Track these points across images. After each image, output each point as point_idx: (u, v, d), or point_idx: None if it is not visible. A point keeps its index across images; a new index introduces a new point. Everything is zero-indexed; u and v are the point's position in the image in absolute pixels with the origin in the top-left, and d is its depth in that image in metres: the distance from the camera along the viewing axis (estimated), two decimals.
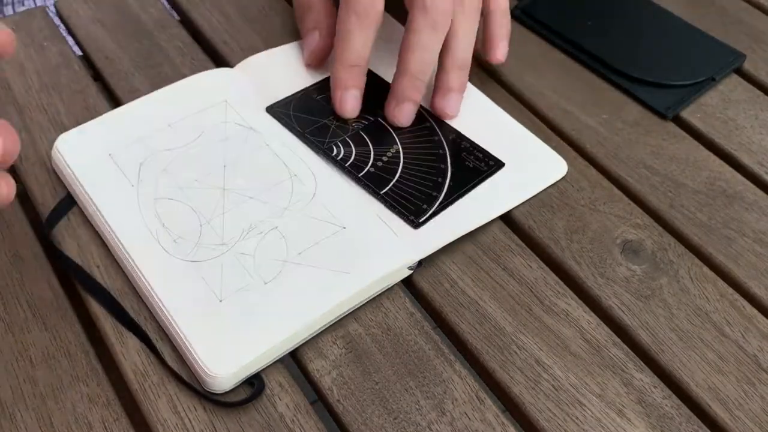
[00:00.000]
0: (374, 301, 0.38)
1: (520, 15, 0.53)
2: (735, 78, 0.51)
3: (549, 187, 0.43)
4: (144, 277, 0.37)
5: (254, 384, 0.34)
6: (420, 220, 0.40)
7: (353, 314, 0.37)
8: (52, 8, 0.54)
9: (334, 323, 0.37)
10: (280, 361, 0.36)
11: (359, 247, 0.38)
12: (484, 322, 0.38)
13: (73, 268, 0.38)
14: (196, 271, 0.37)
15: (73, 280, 0.38)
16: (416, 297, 0.39)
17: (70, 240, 0.39)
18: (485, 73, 0.50)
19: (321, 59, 0.48)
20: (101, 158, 0.41)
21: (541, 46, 0.52)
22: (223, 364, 0.34)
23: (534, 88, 0.49)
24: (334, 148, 0.43)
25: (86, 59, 0.50)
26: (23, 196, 0.42)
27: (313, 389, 0.36)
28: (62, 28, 0.52)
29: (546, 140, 0.46)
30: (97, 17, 0.52)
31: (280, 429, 0.34)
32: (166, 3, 0.54)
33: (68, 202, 0.41)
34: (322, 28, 0.47)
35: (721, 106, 0.49)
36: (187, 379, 0.34)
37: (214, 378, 0.34)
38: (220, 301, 0.36)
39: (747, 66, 0.52)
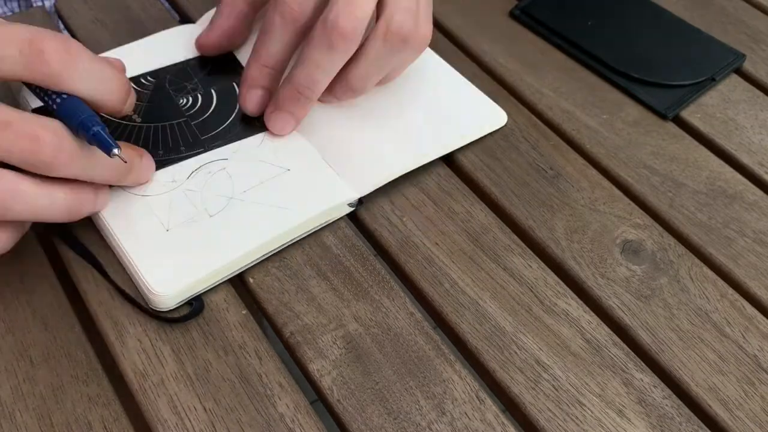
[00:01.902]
0: (374, 301, 0.38)
1: (519, 15, 0.53)
2: (735, 78, 0.51)
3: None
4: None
5: (193, 304, 0.37)
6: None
7: (354, 314, 0.37)
8: (52, 8, 0.54)
9: (282, 249, 0.39)
10: (280, 360, 0.36)
11: (301, 186, 0.41)
12: (484, 322, 0.38)
13: None
14: (145, 205, 0.39)
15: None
16: (415, 296, 0.39)
17: None
18: (483, 71, 0.50)
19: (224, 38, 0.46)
20: None
21: (541, 46, 0.52)
22: (165, 284, 0.36)
23: (534, 88, 0.49)
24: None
25: None
26: None
27: (313, 389, 0.36)
28: (62, 28, 0.52)
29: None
30: (97, 17, 0.52)
31: (280, 429, 0.34)
32: (165, 3, 0.54)
33: None
34: (235, 8, 0.45)
35: (721, 106, 0.49)
36: (134, 297, 0.37)
37: (156, 296, 0.36)
38: (167, 230, 0.38)
39: (747, 66, 0.52)
